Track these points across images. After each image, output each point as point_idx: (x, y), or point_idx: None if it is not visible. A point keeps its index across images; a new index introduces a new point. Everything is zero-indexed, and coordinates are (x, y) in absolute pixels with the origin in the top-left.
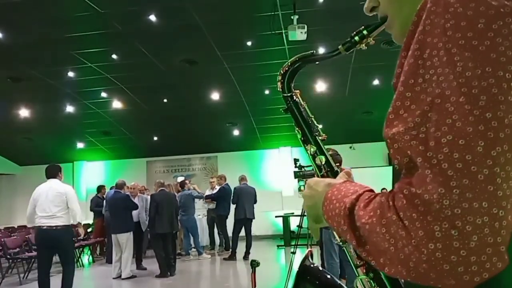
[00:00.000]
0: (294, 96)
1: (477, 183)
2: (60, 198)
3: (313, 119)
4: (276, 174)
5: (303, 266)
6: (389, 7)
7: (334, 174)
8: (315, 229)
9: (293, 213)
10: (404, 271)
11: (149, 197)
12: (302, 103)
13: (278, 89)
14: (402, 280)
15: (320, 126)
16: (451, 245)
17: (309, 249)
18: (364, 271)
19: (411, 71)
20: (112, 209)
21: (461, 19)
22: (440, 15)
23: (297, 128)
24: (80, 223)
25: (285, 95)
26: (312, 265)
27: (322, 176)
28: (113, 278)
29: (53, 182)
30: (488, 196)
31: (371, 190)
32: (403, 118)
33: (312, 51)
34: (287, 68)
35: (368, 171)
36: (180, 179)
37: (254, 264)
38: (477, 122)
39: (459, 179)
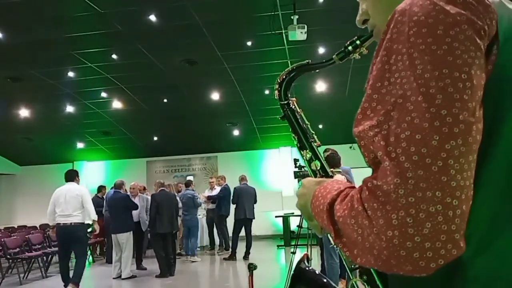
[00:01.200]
0: (291, 104)
1: (431, 174)
2: (77, 200)
3: (309, 126)
4: (276, 174)
5: (299, 268)
6: (376, 17)
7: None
8: (315, 225)
9: (293, 213)
10: (372, 259)
11: (149, 197)
12: (299, 110)
13: (275, 97)
14: None
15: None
16: (407, 232)
17: (305, 252)
18: (358, 274)
19: (378, 75)
20: (112, 209)
21: (423, 26)
22: (405, 24)
23: (294, 135)
24: (95, 220)
25: (282, 102)
26: (307, 268)
27: None
28: (113, 278)
29: (71, 185)
30: (442, 186)
31: (353, 187)
32: (369, 118)
33: (308, 61)
34: (284, 77)
35: (368, 171)
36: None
37: (252, 267)
38: (433, 119)
39: (414, 171)
